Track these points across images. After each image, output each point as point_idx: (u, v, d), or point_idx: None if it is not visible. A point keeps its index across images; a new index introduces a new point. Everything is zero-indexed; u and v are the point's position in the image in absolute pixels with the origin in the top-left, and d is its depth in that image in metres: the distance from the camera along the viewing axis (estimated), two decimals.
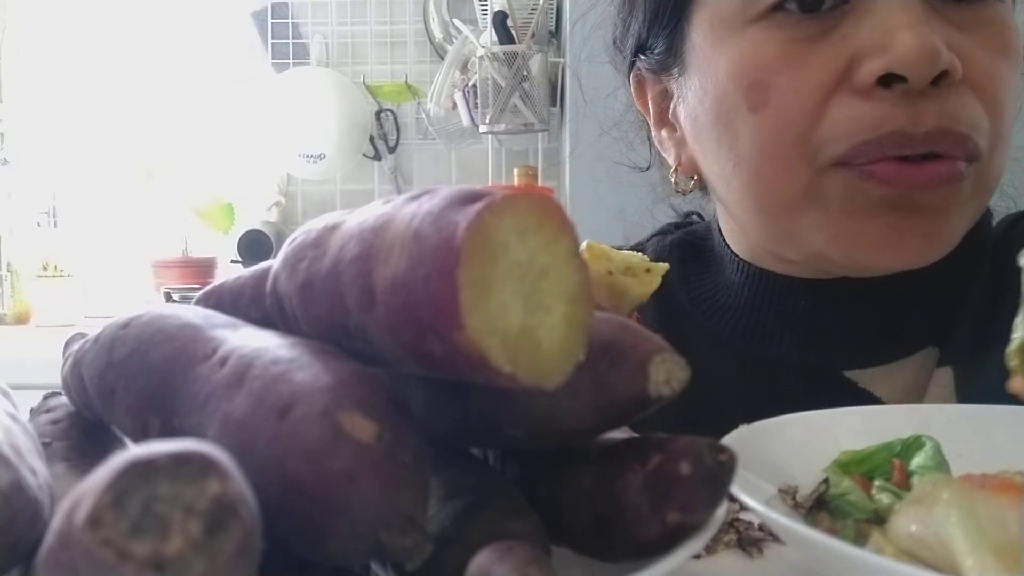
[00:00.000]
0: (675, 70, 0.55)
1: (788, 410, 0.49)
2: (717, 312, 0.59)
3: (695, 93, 0.53)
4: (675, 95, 0.57)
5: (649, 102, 0.60)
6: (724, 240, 0.61)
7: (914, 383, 0.54)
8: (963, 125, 0.45)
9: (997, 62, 0.47)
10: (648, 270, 0.41)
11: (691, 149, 0.57)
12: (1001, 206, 0.60)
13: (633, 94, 0.62)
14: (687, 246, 0.65)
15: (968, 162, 0.46)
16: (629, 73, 0.61)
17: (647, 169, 0.68)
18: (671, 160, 0.60)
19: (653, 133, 0.61)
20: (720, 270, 0.61)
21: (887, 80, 0.45)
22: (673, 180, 0.59)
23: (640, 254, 0.42)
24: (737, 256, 0.59)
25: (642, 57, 0.58)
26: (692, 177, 0.59)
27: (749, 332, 0.57)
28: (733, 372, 0.57)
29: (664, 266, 0.41)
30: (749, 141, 0.49)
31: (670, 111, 0.58)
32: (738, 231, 0.58)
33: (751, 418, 0.48)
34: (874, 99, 0.45)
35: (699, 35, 0.52)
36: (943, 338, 0.54)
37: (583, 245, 0.41)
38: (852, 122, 0.46)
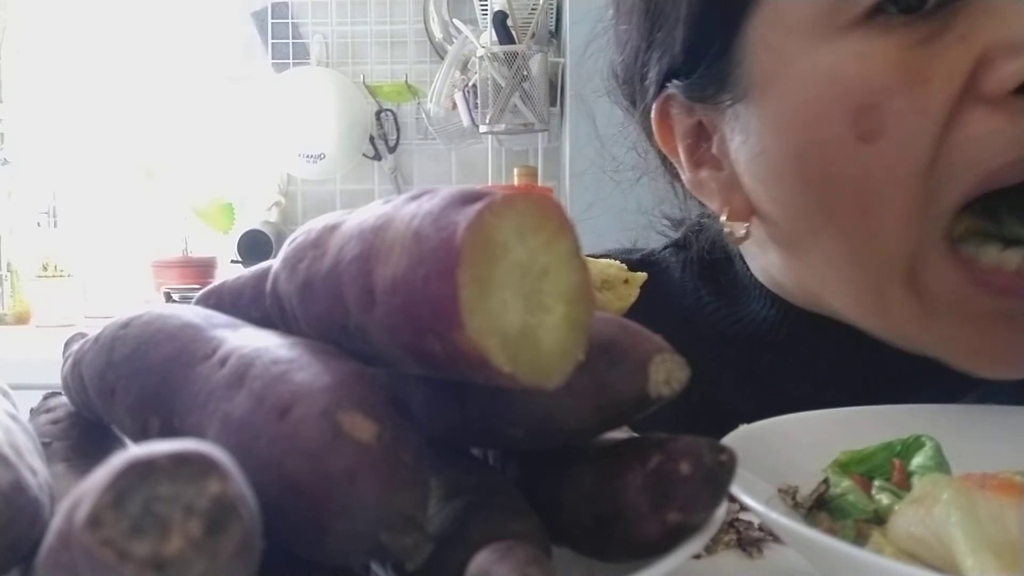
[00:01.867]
0: (724, 97, 0.45)
1: None
2: (738, 340, 0.53)
3: (761, 120, 0.44)
4: (720, 128, 0.47)
5: (678, 139, 0.50)
6: (747, 268, 0.54)
7: None
8: None
9: None
10: (626, 280, 0.38)
11: (747, 189, 0.47)
12: None
13: (656, 130, 0.51)
14: (704, 265, 0.57)
15: None
16: (645, 107, 0.51)
17: (680, 223, 0.59)
18: (714, 205, 0.50)
19: (687, 175, 0.51)
20: (745, 301, 0.53)
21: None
22: (726, 231, 0.49)
23: (617, 263, 0.38)
24: (772, 292, 0.51)
25: (675, 82, 0.48)
26: (746, 223, 0.48)
27: (787, 371, 0.50)
28: (755, 403, 0.48)
29: (642, 276, 0.37)
30: (855, 179, 0.40)
31: (712, 147, 0.48)
32: (803, 278, 0.48)
33: None
34: (1009, 111, 0.36)
35: (764, 51, 0.42)
36: (987, 385, 0.47)
37: None
38: (981, 144, 0.36)
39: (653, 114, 0.50)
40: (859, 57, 0.38)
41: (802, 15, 0.40)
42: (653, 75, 0.49)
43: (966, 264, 0.39)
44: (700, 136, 0.49)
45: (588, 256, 0.37)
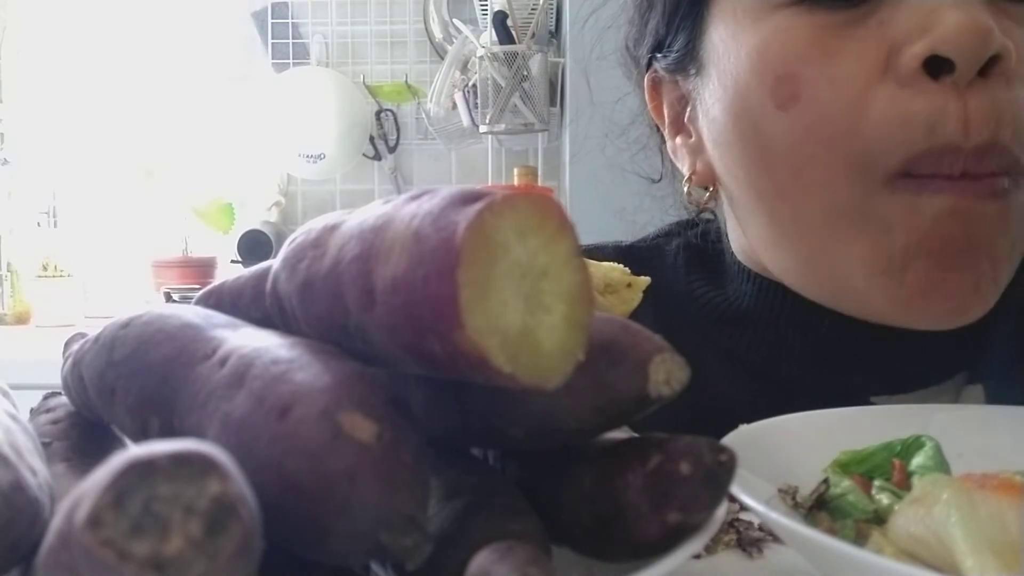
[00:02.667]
0: (692, 69, 0.50)
1: None
2: (728, 325, 0.54)
3: (712, 92, 0.48)
4: (692, 98, 0.51)
5: (665, 107, 0.54)
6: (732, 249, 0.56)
7: (940, 402, 0.49)
8: (1007, 133, 0.39)
9: None
10: (629, 284, 0.39)
11: (708, 155, 0.51)
12: None
13: (647, 100, 0.56)
14: (694, 251, 0.59)
15: (1013, 180, 0.41)
16: (643, 77, 0.56)
17: (659, 180, 0.63)
18: (685, 169, 0.54)
19: (668, 141, 0.55)
20: (732, 280, 0.55)
21: (934, 69, 0.39)
22: (686, 190, 0.53)
23: (621, 267, 0.39)
24: (748, 267, 0.54)
25: (659, 56, 0.53)
26: (707, 188, 0.53)
27: (767, 349, 0.52)
28: (748, 390, 0.52)
29: (645, 280, 0.38)
30: (780, 144, 0.43)
31: (686, 115, 0.53)
32: (757, 245, 0.51)
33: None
34: (920, 90, 0.39)
35: (720, 28, 0.47)
36: (973, 361, 0.50)
37: None
38: (900, 121, 0.39)
39: (646, 84, 0.55)
40: (781, 31, 0.42)
41: (740, 4, 0.45)
42: (644, 49, 0.54)
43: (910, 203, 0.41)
44: (681, 105, 0.53)
45: (590, 258, 0.37)
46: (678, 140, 0.54)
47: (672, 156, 0.56)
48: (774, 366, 0.52)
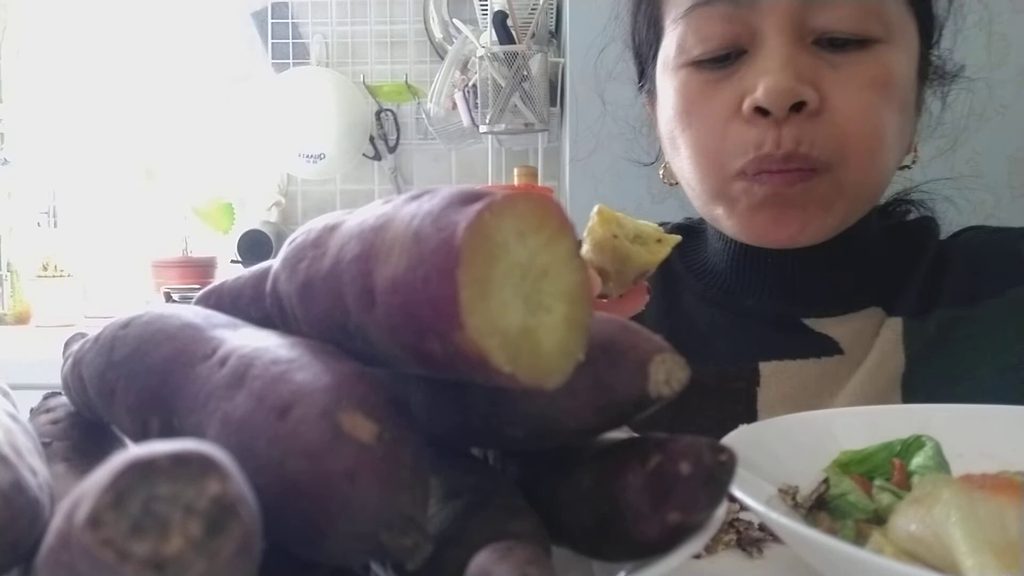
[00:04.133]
0: (653, 96, 0.72)
1: (762, 346, 0.69)
2: (706, 276, 0.74)
3: (659, 114, 0.71)
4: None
5: (652, 112, 0.75)
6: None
7: (863, 330, 0.68)
8: (806, 146, 0.61)
9: (863, 92, 0.61)
10: (659, 240, 0.44)
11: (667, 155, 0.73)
12: (958, 221, 0.77)
13: (646, 104, 0.77)
14: (684, 228, 0.80)
15: (815, 171, 0.62)
16: (640, 88, 0.77)
17: (652, 163, 0.81)
18: (666, 158, 0.74)
19: (656, 135, 0.75)
20: (707, 241, 0.75)
21: (762, 111, 0.61)
22: (661, 174, 0.77)
23: (654, 225, 0.45)
24: (718, 230, 0.73)
25: (641, 82, 0.76)
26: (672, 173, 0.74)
27: (728, 288, 0.72)
28: (716, 321, 0.72)
29: (676, 238, 0.46)
30: (684, 152, 0.67)
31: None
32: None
33: (730, 355, 0.69)
34: (754, 125, 0.62)
35: (659, 72, 0.70)
36: (887, 300, 0.69)
37: (594, 209, 0.44)
38: (742, 143, 0.62)
39: (645, 98, 0.77)
40: (684, 83, 0.66)
41: (667, 56, 0.68)
42: (637, 74, 0.77)
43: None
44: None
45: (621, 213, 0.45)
46: (657, 135, 0.75)
47: (660, 140, 0.77)
48: (733, 299, 0.72)
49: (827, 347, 0.67)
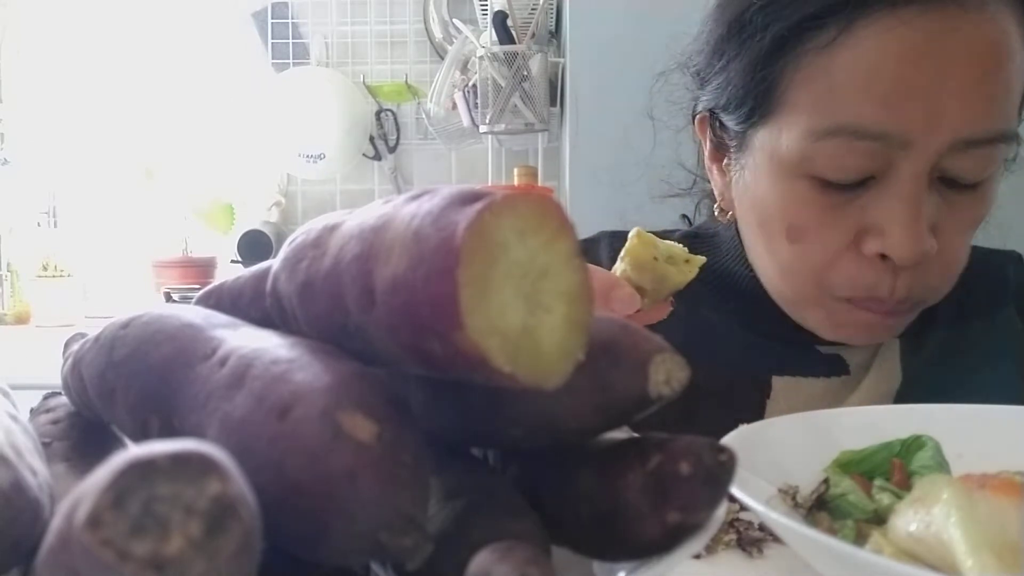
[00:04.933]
0: (734, 147, 0.67)
1: (776, 361, 0.70)
2: (721, 288, 0.72)
3: (747, 184, 0.66)
4: (732, 159, 0.68)
5: (708, 137, 0.71)
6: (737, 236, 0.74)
7: (867, 351, 0.70)
8: (918, 292, 0.61)
9: (969, 232, 0.62)
10: (687, 260, 0.47)
11: (733, 202, 0.70)
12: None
13: (696, 122, 0.72)
14: (693, 236, 0.78)
15: (917, 305, 0.63)
16: (696, 105, 0.71)
17: (690, 188, 0.81)
18: (715, 189, 0.72)
19: (707, 159, 0.72)
20: (726, 265, 0.74)
21: (882, 255, 0.59)
22: (716, 210, 0.73)
23: (680, 245, 0.47)
24: (745, 262, 0.73)
25: (717, 111, 0.68)
26: (727, 212, 0.72)
27: (743, 311, 0.72)
28: (732, 332, 0.72)
29: (701, 259, 0.47)
30: (782, 256, 0.64)
31: (724, 160, 0.69)
32: (755, 264, 0.72)
33: (744, 365, 0.70)
34: (872, 267, 0.60)
35: (762, 149, 0.64)
36: None
37: (633, 232, 0.46)
38: (854, 279, 0.61)
39: (698, 114, 0.72)
40: (802, 198, 0.62)
41: (785, 154, 0.61)
42: (705, 97, 0.69)
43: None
44: (721, 146, 0.70)
45: (653, 233, 0.47)
46: (715, 168, 0.71)
47: (707, 171, 0.73)
48: (748, 317, 0.72)
49: (837, 368, 0.70)
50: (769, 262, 0.67)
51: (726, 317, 0.73)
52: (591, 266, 0.45)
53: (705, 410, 0.65)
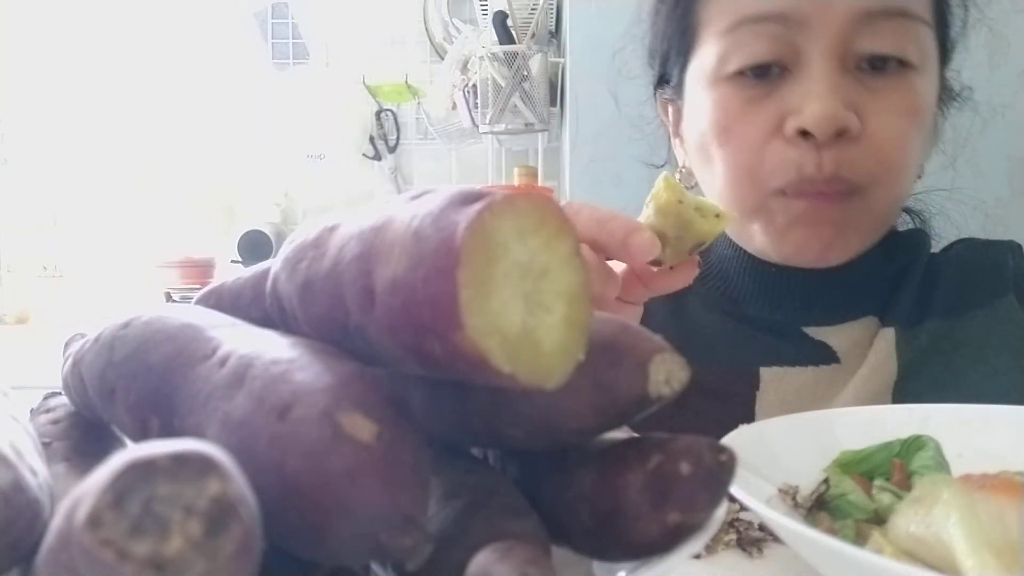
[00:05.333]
0: (680, 101, 0.73)
1: (763, 351, 0.70)
2: (710, 280, 0.76)
3: (688, 123, 0.72)
4: (681, 118, 0.74)
5: (668, 113, 0.77)
6: None
7: (859, 339, 0.70)
8: (846, 170, 0.62)
9: (899, 119, 0.63)
10: (718, 215, 0.45)
11: (688, 159, 0.75)
12: (952, 233, 0.80)
13: (658, 107, 0.79)
14: None
15: (851, 193, 0.63)
16: (656, 91, 0.78)
17: (662, 165, 0.83)
18: (679, 161, 0.77)
19: (671, 136, 0.78)
20: (716, 248, 0.77)
21: (805, 133, 0.62)
22: (678, 177, 0.76)
23: (712, 201, 0.46)
24: (729, 238, 0.75)
25: (662, 86, 0.76)
26: (691, 179, 0.75)
27: (732, 295, 0.74)
28: (720, 325, 0.74)
29: (734, 214, 0.47)
30: (719, 167, 0.67)
31: (680, 127, 0.75)
32: None
33: (732, 359, 0.70)
34: (795, 146, 0.62)
35: (691, 81, 0.70)
36: (882, 310, 0.71)
37: (660, 176, 0.46)
38: (782, 163, 0.63)
39: (657, 97, 0.79)
40: (724, 99, 0.66)
41: (705, 66, 0.68)
42: (654, 76, 0.77)
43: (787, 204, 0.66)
44: (677, 118, 0.76)
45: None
46: (676, 141, 0.77)
47: (672, 145, 0.78)
48: (737, 305, 0.74)
49: (825, 355, 0.69)
50: (713, 184, 0.69)
51: (712, 311, 0.74)
52: (611, 210, 0.45)
53: (694, 405, 0.66)
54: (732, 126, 0.66)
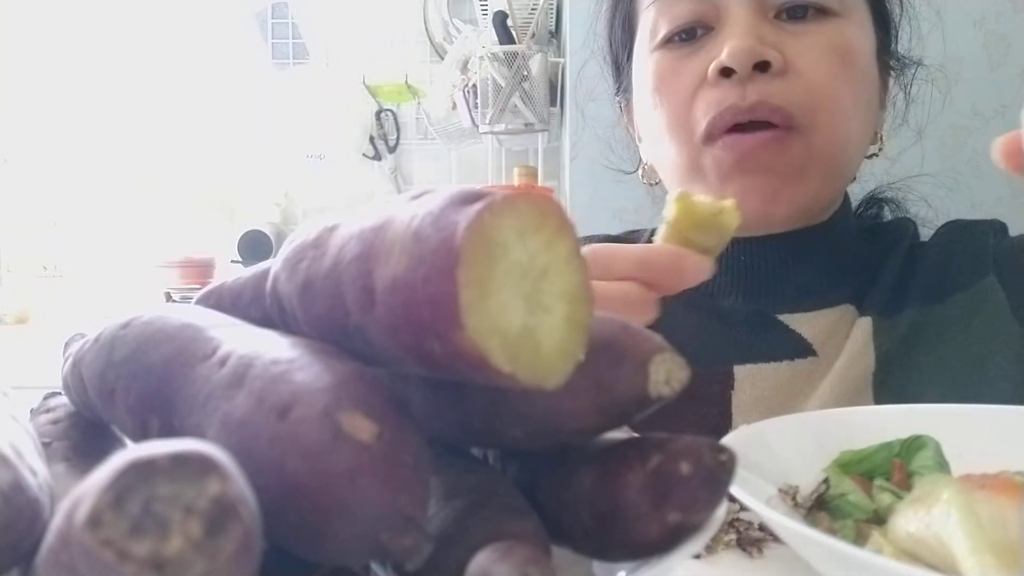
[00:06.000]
0: (629, 94, 0.76)
1: (736, 348, 0.68)
2: None
3: (635, 107, 0.74)
4: (633, 112, 0.76)
5: (630, 114, 0.78)
6: None
7: (835, 329, 0.68)
8: (777, 99, 0.62)
9: (825, 57, 0.64)
10: (721, 210, 0.44)
11: (646, 153, 0.76)
12: (931, 217, 0.79)
13: (623, 112, 0.80)
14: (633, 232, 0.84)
15: (787, 129, 0.63)
16: (616, 98, 0.81)
17: (634, 171, 0.83)
18: (642, 156, 0.78)
19: (636, 135, 0.78)
20: None
21: (727, 72, 0.63)
22: (640, 174, 0.78)
23: (708, 198, 0.45)
24: None
25: (618, 88, 0.79)
26: (655, 173, 0.76)
27: (702, 288, 0.73)
28: (691, 323, 0.72)
29: (732, 201, 0.45)
30: (657, 129, 0.69)
31: (634, 119, 0.77)
32: None
33: (705, 359, 0.67)
34: (718, 86, 0.64)
35: (635, 65, 0.73)
36: (859, 298, 0.70)
37: (672, 196, 0.45)
38: (707, 105, 0.65)
39: (620, 105, 0.80)
40: (655, 63, 0.69)
41: (641, 45, 0.71)
42: (614, 84, 0.80)
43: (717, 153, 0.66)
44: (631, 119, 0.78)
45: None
46: (637, 139, 0.78)
47: (637, 144, 0.79)
48: (708, 299, 0.72)
49: (800, 348, 0.68)
50: (656, 150, 0.70)
51: (683, 309, 0.72)
52: (654, 245, 0.45)
53: (669, 408, 0.64)
54: (663, 85, 0.68)
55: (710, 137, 0.65)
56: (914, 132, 0.79)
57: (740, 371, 0.68)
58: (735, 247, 0.70)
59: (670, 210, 0.45)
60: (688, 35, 0.67)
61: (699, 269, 0.43)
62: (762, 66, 0.62)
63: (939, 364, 0.65)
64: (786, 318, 0.69)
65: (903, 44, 0.74)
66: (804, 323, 0.68)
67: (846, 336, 0.68)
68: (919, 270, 0.71)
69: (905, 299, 0.69)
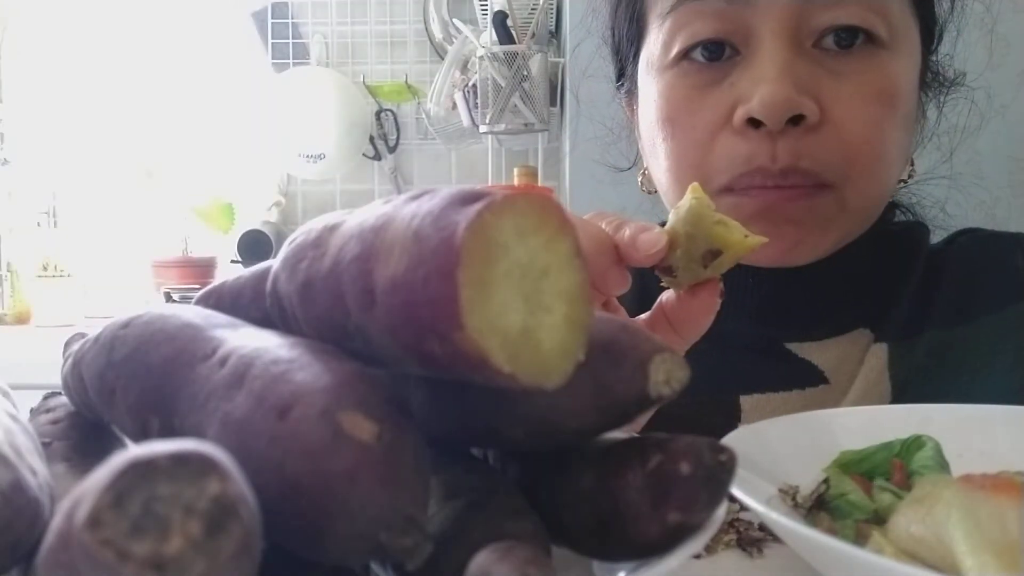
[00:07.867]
0: (632, 97, 0.69)
1: (740, 381, 0.63)
2: None
3: (640, 119, 0.67)
4: (636, 115, 0.70)
5: (633, 109, 0.72)
6: None
7: (848, 356, 0.63)
8: (807, 161, 0.55)
9: (867, 106, 0.56)
10: (746, 236, 0.41)
11: (645, 159, 0.70)
12: (957, 222, 0.73)
13: (625, 107, 0.74)
14: None
15: (817, 188, 0.57)
16: (617, 87, 0.74)
17: (629, 168, 0.79)
18: (645, 163, 0.71)
19: (636, 132, 0.72)
20: None
21: (755, 122, 0.55)
22: (640, 181, 0.72)
23: (738, 224, 0.42)
24: None
25: (621, 85, 0.72)
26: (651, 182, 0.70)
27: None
28: (695, 350, 0.66)
29: (763, 239, 0.42)
30: (664, 162, 0.62)
31: (638, 124, 0.70)
32: None
33: (709, 388, 0.59)
34: (745, 137, 0.56)
35: (641, 73, 0.65)
36: (875, 322, 0.64)
37: (692, 186, 0.43)
38: (730, 157, 0.57)
39: (623, 99, 0.74)
40: (669, 87, 0.61)
41: (652, 53, 0.63)
42: (616, 64, 0.73)
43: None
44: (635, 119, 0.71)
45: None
46: (639, 143, 0.71)
47: (638, 142, 0.73)
48: (714, 325, 0.64)
49: (811, 377, 0.63)
50: (660, 179, 0.63)
51: None
52: (623, 216, 0.42)
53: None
54: (678, 117, 0.59)
55: (729, 190, 0.58)
56: (944, 150, 0.71)
57: (747, 402, 0.63)
58: (741, 268, 0.65)
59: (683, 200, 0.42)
60: (711, 53, 0.58)
61: (648, 240, 0.40)
62: (796, 119, 0.54)
63: (961, 392, 0.59)
64: (795, 347, 0.64)
65: (944, 49, 0.66)
66: (815, 351, 0.63)
67: (860, 362, 0.63)
68: (940, 285, 0.65)
69: (924, 322, 0.64)
